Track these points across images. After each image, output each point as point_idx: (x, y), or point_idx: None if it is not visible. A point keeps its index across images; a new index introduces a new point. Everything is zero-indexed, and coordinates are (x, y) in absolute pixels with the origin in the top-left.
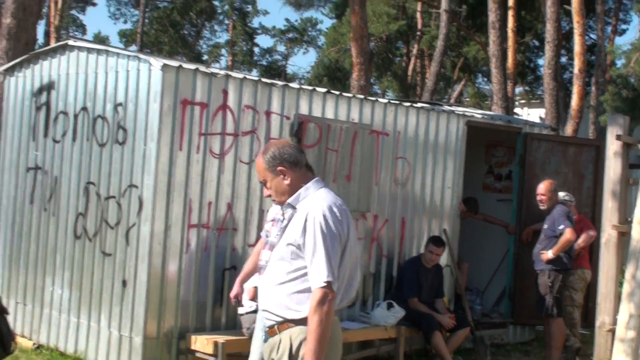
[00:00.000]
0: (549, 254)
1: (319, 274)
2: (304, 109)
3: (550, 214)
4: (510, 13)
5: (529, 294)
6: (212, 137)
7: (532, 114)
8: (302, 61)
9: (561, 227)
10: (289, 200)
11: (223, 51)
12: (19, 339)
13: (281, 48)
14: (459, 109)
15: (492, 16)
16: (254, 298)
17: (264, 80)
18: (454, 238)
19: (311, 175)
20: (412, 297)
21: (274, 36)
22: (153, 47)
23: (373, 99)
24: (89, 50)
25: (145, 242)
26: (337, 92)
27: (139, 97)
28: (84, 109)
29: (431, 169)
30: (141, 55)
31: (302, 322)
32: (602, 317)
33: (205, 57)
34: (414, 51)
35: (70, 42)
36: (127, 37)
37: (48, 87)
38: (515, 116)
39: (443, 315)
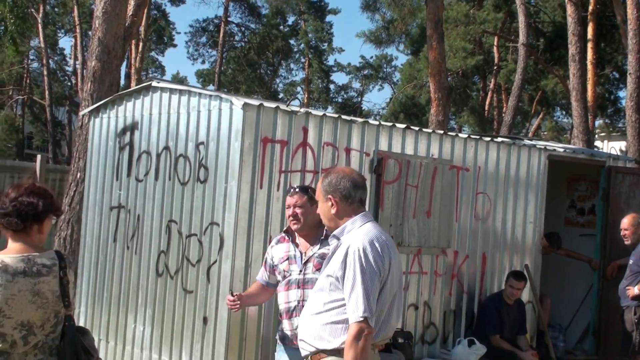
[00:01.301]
0: (635, 290)
1: (356, 309)
2: (383, 145)
3: (636, 249)
4: (590, 45)
5: (614, 330)
6: (292, 174)
7: (612, 147)
8: (377, 97)
9: None
10: (335, 232)
11: (299, 89)
12: None
13: (356, 85)
14: (540, 143)
15: (572, 49)
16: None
17: (343, 117)
18: (536, 274)
19: (361, 209)
20: (494, 334)
21: (349, 73)
22: (230, 86)
23: (453, 134)
24: (172, 90)
25: (226, 279)
26: (417, 128)
27: (220, 135)
28: (166, 148)
29: (512, 204)
30: (223, 95)
31: (334, 352)
32: None
33: (281, 95)
34: (491, 85)
35: (154, 84)
36: (204, 77)
37: (131, 128)
38: (596, 149)
39: (526, 352)
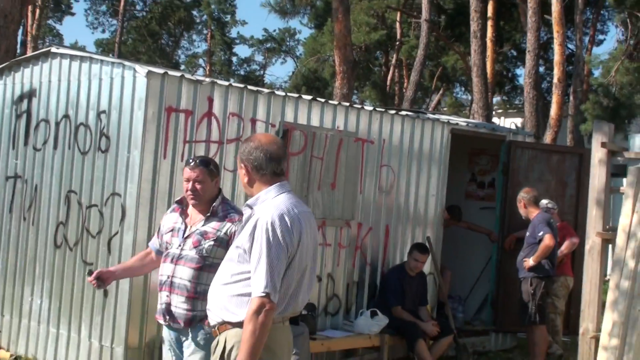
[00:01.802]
0: (530, 262)
1: (259, 284)
2: (289, 117)
3: (532, 222)
4: (489, 23)
5: (511, 301)
6: (196, 144)
7: (513, 122)
8: (280, 71)
9: (540, 233)
10: (248, 202)
11: (201, 61)
12: None
13: (259, 58)
14: (443, 117)
15: (474, 25)
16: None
17: (249, 87)
18: (438, 246)
19: (277, 180)
20: (396, 305)
21: (252, 46)
22: (131, 56)
23: (359, 106)
24: (72, 57)
25: (128, 251)
26: (323, 100)
27: (122, 104)
28: (66, 116)
29: (415, 177)
30: (126, 62)
31: (239, 325)
32: (586, 324)
33: (182, 67)
34: (393, 61)
35: (53, 49)
36: (103, 47)
37: (29, 95)
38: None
39: (426, 323)
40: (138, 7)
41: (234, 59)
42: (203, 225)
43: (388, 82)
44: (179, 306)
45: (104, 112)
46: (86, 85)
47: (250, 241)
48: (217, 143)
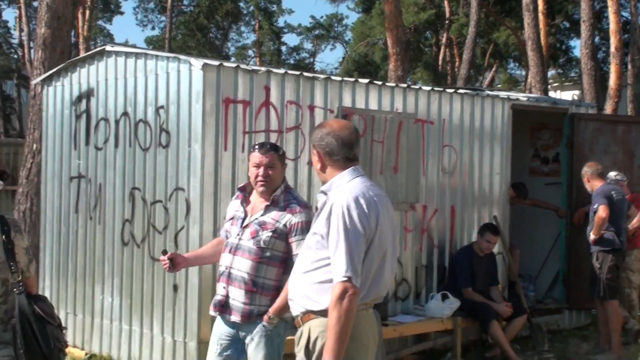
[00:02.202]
0: (591, 236)
1: (339, 269)
2: (347, 101)
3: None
4: None
5: (583, 277)
6: (256, 134)
7: (567, 97)
8: (330, 57)
9: (595, 206)
10: (322, 188)
11: (250, 52)
12: (70, 349)
13: (308, 45)
14: (502, 93)
15: None
16: None
17: (305, 74)
18: (505, 224)
19: (349, 165)
20: (467, 287)
21: (300, 34)
22: (181, 52)
23: (416, 87)
24: (127, 54)
25: (195, 245)
26: (380, 82)
27: (180, 98)
28: (125, 114)
29: (478, 156)
30: (181, 56)
31: (323, 313)
32: None
33: (233, 59)
34: (443, 40)
35: (108, 48)
36: (153, 44)
37: (87, 95)
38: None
39: (499, 303)
40: (185, 2)
41: (283, 48)
42: (262, 215)
43: (440, 62)
44: (237, 299)
45: (162, 107)
46: (143, 81)
47: (327, 227)
48: (277, 132)
